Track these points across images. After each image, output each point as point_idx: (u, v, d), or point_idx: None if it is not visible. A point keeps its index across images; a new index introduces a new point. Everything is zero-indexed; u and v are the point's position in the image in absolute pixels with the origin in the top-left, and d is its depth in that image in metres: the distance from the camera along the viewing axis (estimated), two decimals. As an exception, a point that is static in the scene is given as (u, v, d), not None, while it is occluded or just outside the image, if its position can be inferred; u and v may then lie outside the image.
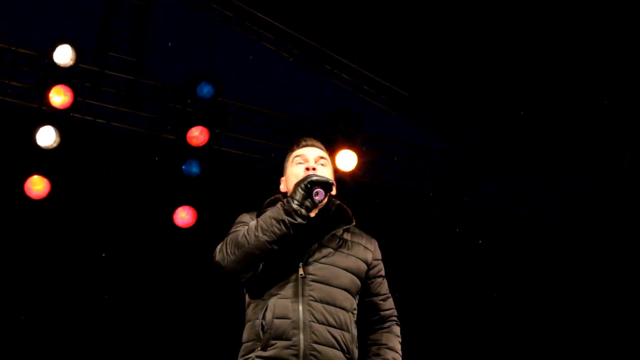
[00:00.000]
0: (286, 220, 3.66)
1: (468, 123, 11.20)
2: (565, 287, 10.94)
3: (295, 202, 3.70)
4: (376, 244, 4.11)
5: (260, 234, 3.66)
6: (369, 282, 4.02)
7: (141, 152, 10.18)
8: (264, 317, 3.74)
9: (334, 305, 3.80)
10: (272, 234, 3.67)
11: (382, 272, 4.11)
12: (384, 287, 4.11)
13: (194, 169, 9.80)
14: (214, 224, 9.69)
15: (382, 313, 4.07)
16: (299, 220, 3.68)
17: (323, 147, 4.15)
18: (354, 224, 4.01)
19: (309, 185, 3.71)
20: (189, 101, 9.93)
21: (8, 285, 9.54)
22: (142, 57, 10.36)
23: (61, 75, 9.35)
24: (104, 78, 10.06)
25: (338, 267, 3.87)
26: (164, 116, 10.17)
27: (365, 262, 3.99)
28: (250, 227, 3.72)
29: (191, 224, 9.71)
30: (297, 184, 3.74)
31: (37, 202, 9.30)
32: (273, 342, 3.71)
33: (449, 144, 11.49)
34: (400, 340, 4.08)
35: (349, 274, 3.89)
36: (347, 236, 3.98)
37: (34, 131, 9.21)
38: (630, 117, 9.83)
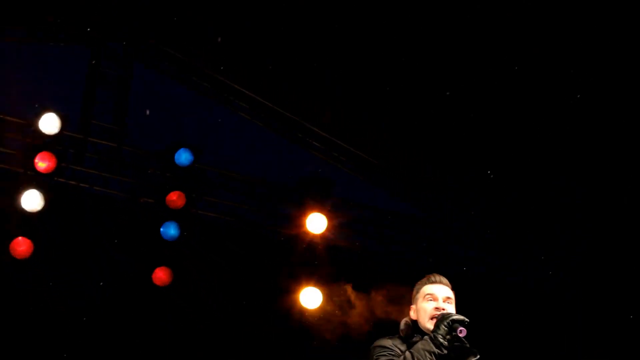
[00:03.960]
0: (436, 352, 4.32)
1: (435, 188, 11.57)
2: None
3: (440, 336, 4.35)
4: None
5: None
6: None
7: (122, 215, 10.47)
8: None
9: None
10: None
11: None
12: None
13: (172, 231, 10.17)
14: (189, 284, 10.31)
15: None
16: (444, 351, 4.33)
17: (449, 284, 4.80)
18: (478, 357, 4.55)
19: (451, 323, 4.38)
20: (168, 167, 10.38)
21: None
22: (123, 125, 10.75)
23: (46, 142, 9.74)
24: (87, 145, 10.47)
25: None
26: (144, 181, 10.57)
27: None
28: (407, 357, 4.36)
29: (167, 283, 10.06)
30: (440, 321, 4.42)
31: (20, 262, 9.60)
32: None
33: (416, 208, 11.83)
34: None
35: None
36: None
37: (19, 195, 9.55)
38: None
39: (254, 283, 10.69)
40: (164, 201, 10.25)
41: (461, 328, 4.38)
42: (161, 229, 10.17)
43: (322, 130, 11.23)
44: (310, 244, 10.69)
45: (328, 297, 10.45)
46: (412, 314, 4.74)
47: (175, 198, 10.23)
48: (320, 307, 10.48)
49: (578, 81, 9.49)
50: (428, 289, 4.74)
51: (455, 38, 9.59)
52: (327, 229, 10.69)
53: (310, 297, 10.49)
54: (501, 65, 9.64)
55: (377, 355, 4.53)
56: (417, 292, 4.78)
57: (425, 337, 4.43)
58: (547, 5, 8.86)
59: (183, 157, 10.26)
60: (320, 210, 10.66)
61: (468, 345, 4.52)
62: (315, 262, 10.64)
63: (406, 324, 4.71)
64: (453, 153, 11.02)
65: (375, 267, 11.41)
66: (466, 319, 4.42)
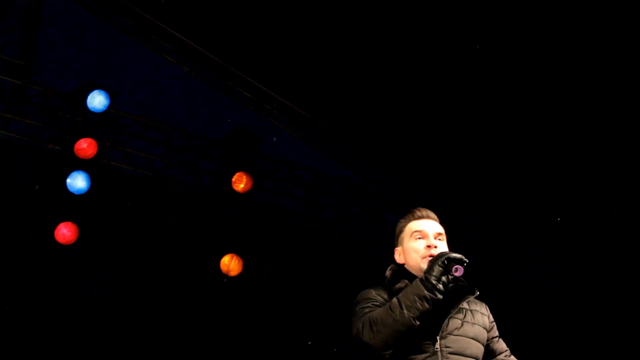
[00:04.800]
0: (428, 296, 3.83)
1: (373, 151, 11.06)
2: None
3: (434, 278, 3.86)
4: (487, 307, 4.35)
5: (405, 311, 3.83)
6: (489, 343, 4.26)
7: (24, 162, 9.79)
8: None
9: None
10: (416, 310, 3.83)
11: (497, 332, 4.35)
12: (502, 344, 4.36)
13: (80, 183, 9.47)
14: (96, 242, 9.67)
15: None
16: (439, 295, 3.85)
17: (437, 219, 4.34)
18: (477, 293, 4.21)
19: (446, 262, 3.89)
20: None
21: None
22: (31, 61, 9.92)
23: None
24: (-13, 81, 9.68)
25: (467, 337, 4.09)
26: (51, 125, 9.86)
27: (486, 329, 4.23)
28: (393, 305, 3.89)
29: (73, 241, 9.41)
30: (434, 262, 3.92)
31: None
32: None
33: (352, 171, 11.34)
34: None
35: (476, 342, 4.12)
36: (466, 305, 4.19)
37: None
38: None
39: (169, 245, 10.21)
40: (72, 149, 9.54)
41: (457, 266, 3.87)
42: (67, 180, 9.48)
43: (255, 80, 10.46)
44: (235, 205, 10.22)
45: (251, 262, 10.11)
46: (398, 257, 4.29)
47: (85, 146, 9.54)
48: (243, 274, 10.09)
49: (578, 81, 9.34)
50: (415, 225, 4.28)
51: (455, 37, 9.39)
52: (254, 188, 10.20)
53: (232, 263, 9.99)
54: (501, 65, 9.48)
55: (361, 308, 4.05)
56: (402, 231, 4.32)
57: (416, 279, 3.95)
58: (547, 5, 8.70)
59: (97, 100, 9.60)
60: (247, 168, 10.18)
61: (466, 284, 4.17)
62: (239, 225, 10.19)
63: (391, 269, 4.24)
64: (453, 153, 10.75)
65: (304, 231, 10.98)
66: (465, 258, 3.92)
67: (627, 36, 8.62)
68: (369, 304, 4.05)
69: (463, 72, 9.60)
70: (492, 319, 4.32)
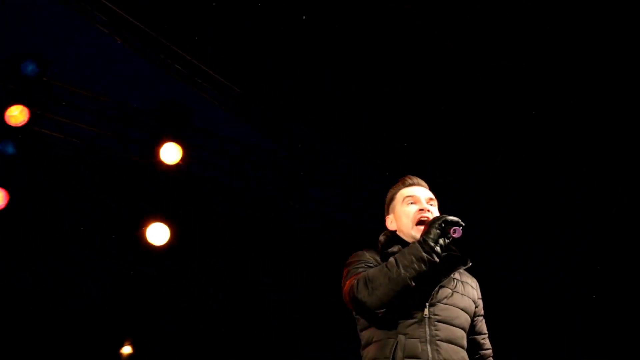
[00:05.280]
0: (425, 257, 3.82)
1: (301, 127, 11.15)
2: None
3: (431, 240, 3.86)
4: (477, 283, 4.34)
5: (402, 270, 3.81)
6: (474, 320, 4.22)
7: None
8: (394, 356, 3.88)
9: (456, 344, 3.99)
10: (413, 271, 3.80)
11: (483, 311, 4.32)
12: (484, 325, 4.32)
13: (9, 149, 9.42)
14: (27, 208, 9.64)
15: (482, 352, 4.28)
16: (436, 258, 3.85)
17: (427, 186, 4.40)
18: (470, 264, 4.17)
19: (443, 225, 3.90)
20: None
21: None
22: None
23: None
24: None
25: (457, 307, 4.07)
26: None
27: (474, 302, 4.21)
28: (390, 264, 3.86)
29: (2, 207, 9.33)
30: (431, 224, 3.93)
31: None
32: None
33: (279, 146, 11.37)
34: None
35: (464, 313, 4.10)
36: (457, 276, 4.19)
37: None
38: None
39: (96, 214, 10.17)
40: (2, 116, 9.45)
41: (455, 228, 3.91)
42: (-4, 147, 9.43)
43: (187, 54, 10.45)
44: (163, 175, 10.17)
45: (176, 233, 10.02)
46: (390, 225, 4.33)
47: (16, 113, 9.48)
48: (168, 244, 9.97)
49: (578, 81, 9.32)
50: (406, 191, 4.35)
51: (455, 37, 9.35)
52: (182, 160, 10.16)
53: (158, 233, 9.91)
54: (501, 65, 9.44)
55: (355, 268, 4.08)
56: (393, 198, 4.39)
57: (414, 241, 3.97)
58: (547, 5, 8.69)
59: (29, 67, 9.56)
60: (176, 140, 10.11)
61: (460, 255, 4.17)
62: (167, 195, 10.21)
63: (385, 235, 4.27)
64: (453, 153, 10.73)
65: (231, 203, 11.05)
66: (461, 222, 3.96)
67: (627, 36, 8.60)
68: (363, 265, 4.06)
69: (463, 72, 9.60)
70: (480, 295, 4.29)
